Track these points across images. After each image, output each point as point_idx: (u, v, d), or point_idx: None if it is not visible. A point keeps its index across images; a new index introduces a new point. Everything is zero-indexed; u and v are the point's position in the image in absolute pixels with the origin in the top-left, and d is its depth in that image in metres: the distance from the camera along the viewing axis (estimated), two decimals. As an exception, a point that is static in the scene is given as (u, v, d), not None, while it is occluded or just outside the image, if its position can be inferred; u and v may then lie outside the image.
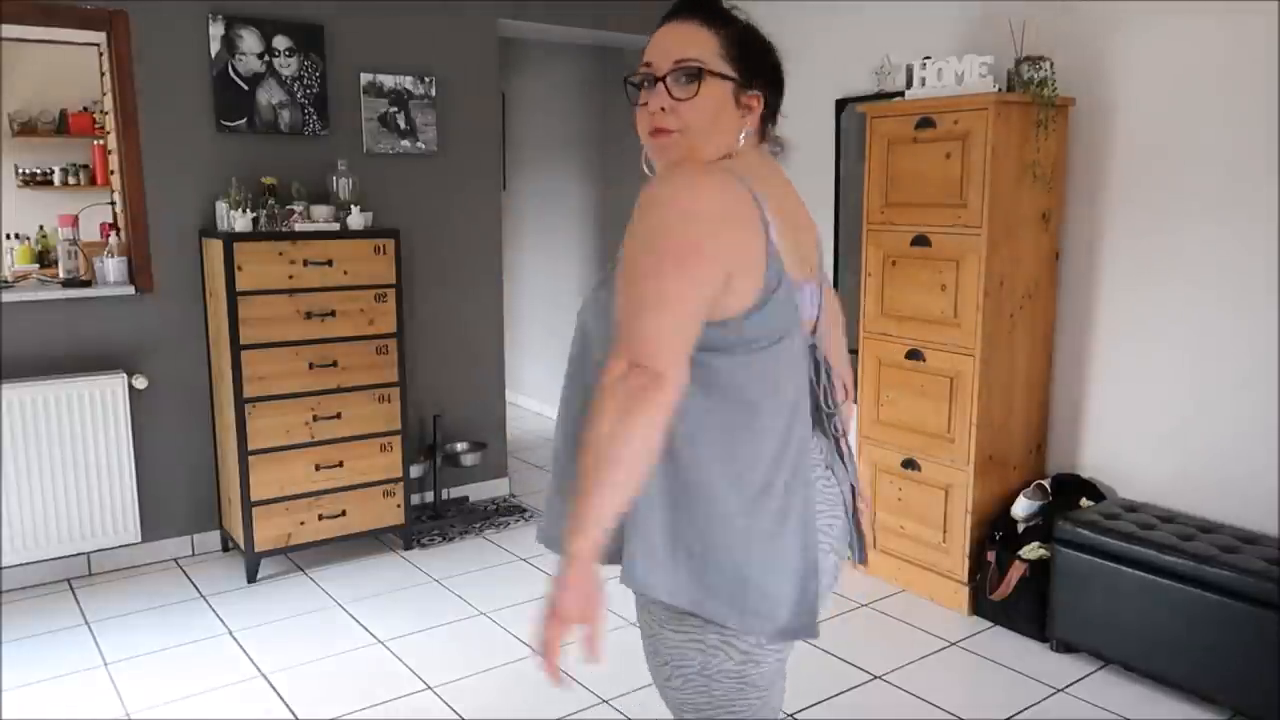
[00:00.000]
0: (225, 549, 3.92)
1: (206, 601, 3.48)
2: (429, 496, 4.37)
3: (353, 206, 3.73)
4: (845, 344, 1.74)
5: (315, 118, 3.89)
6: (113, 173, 3.71)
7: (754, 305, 1.30)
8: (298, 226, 3.59)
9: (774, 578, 1.36)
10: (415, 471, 4.18)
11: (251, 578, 3.63)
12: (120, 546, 3.67)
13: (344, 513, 3.74)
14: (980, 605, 3.31)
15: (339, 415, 3.68)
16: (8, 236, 4.96)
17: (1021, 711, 2.75)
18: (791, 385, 1.40)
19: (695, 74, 1.35)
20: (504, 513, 4.36)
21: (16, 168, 5.33)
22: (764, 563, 1.35)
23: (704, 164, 1.36)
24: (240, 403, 3.49)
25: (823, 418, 1.49)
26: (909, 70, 3.46)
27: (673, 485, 1.35)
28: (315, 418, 3.64)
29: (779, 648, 1.42)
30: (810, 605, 1.38)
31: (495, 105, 4.45)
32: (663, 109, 1.37)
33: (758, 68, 1.40)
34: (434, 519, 4.25)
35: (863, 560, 1.62)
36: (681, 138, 1.38)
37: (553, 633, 1.26)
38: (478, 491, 4.57)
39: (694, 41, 1.37)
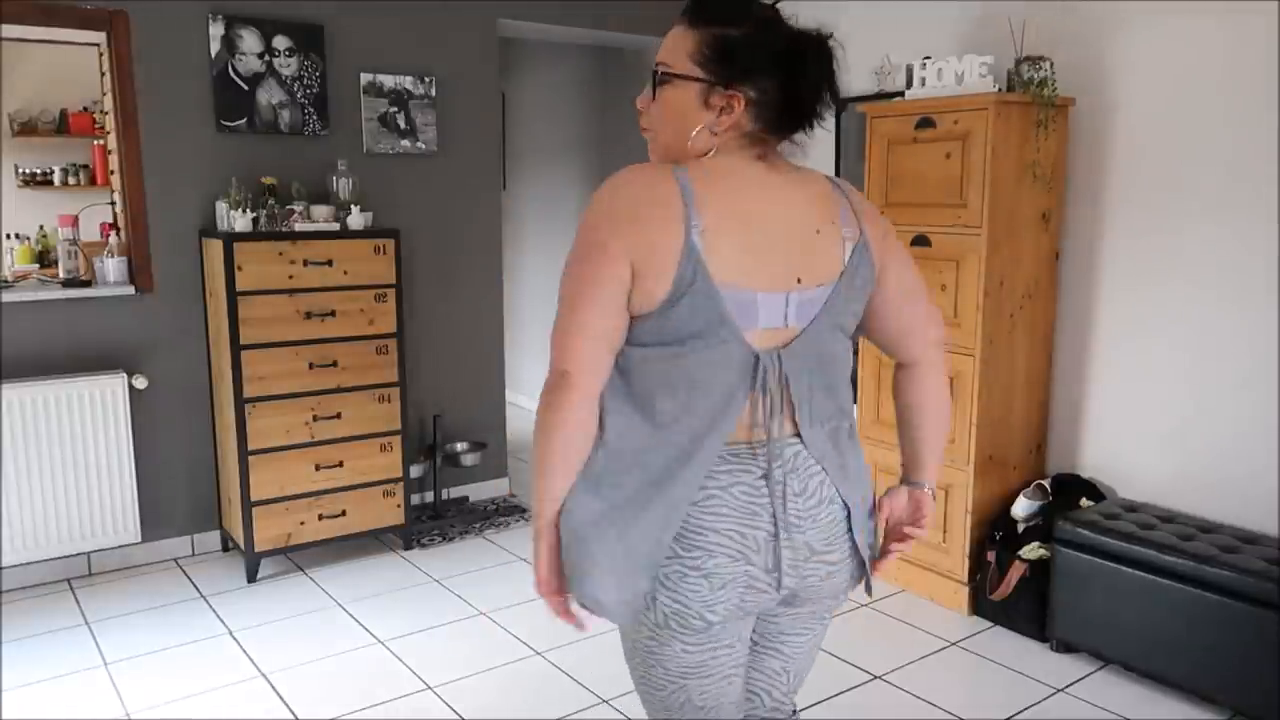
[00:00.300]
0: (225, 549, 3.92)
1: (206, 601, 3.48)
2: (429, 496, 4.37)
3: (353, 206, 3.73)
4: (944, 429, 1.60)
5: (315, 118, 3.89)
6: (113, 173, 3.71)
7: (664, 303, 1.32)
8: (298, 226, 3.58)
9: (607, 561, 1.39)
10: (415, 471, 4.18)
11: (251, 578, 3.63)
12: (120, 546, 3.67)
13: (344, 513, 3.74)
14: (980, 605, 3.31)
15: (339, 415, 3.68)
16: (8, 236, 4.96)
17: (1021, 711, 2.76)
18: (706, 388, 1.37)
19: (655, 76, 1.41)
20: (504, 513, 4.36)
21: (16, 168, 5.33)
22: (610, 545, 1.39)
23: (650, 162, 1.44)
24: (240, 403, 3.48)
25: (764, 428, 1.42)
26: (909, 70, 3.46)
27: (589, 457, 1.43)
28: (315, 418, 3.64)
29: (688, 640, 1.44)
30: (635, 602, 1.41)
31: (495, 105, 4.45)
32: (640, 110, 1.48)
33: (743, 67, 1.36)
34: (434, 519, 4.25)
35: (867, 589, 1.59)
36: (654, 137, 1.46)
37: (552, 608, 1.49)
38: (478, 491, 4.57)
39: (672, 44, 1.41)
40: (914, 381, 1.58)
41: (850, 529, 1.50)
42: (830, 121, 1.47)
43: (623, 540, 1.38)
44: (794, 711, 1.73)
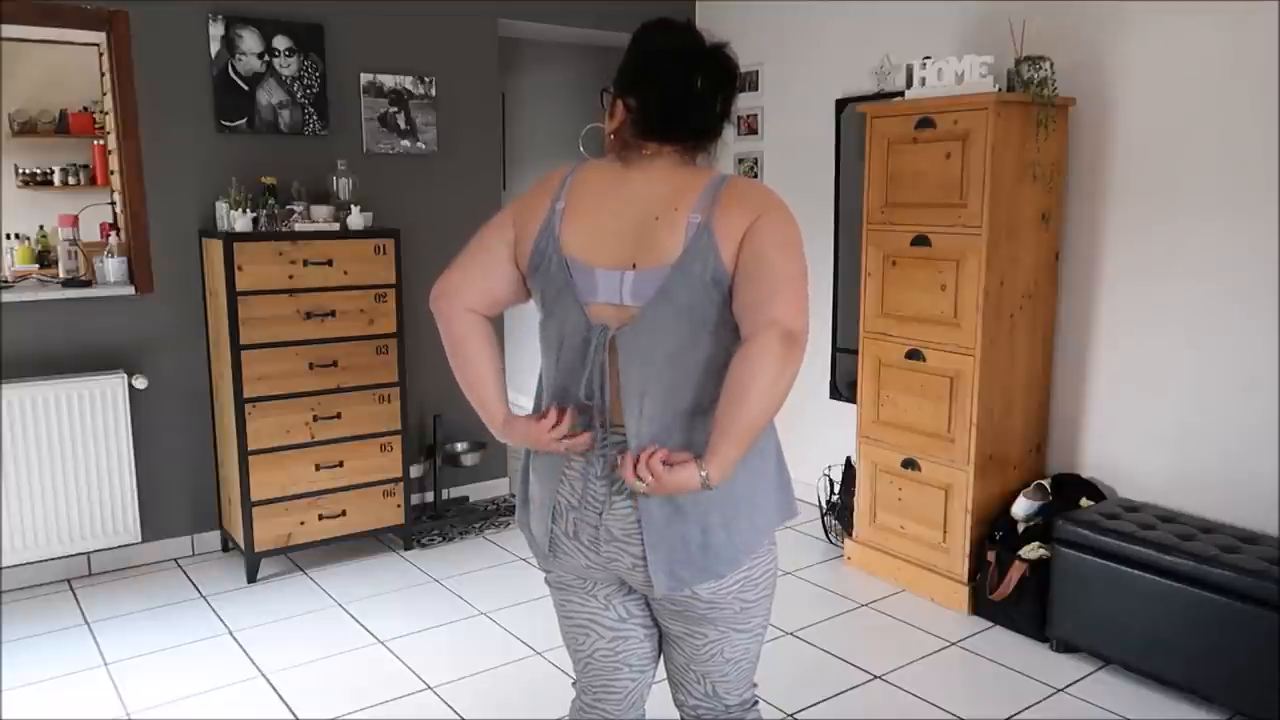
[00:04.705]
0: (225, 549, 3.92)
1: (206, 601, 3.48)
2: (429, 496, 4.37)
3: (353, 206, 3.73)
4: (742, 411, 1.43)
5: (315, 118, 3.89)
6: (113, 173, 3.71)
7: (531, 263, 1.58)
8: (298, 226, 3.58)
9: (521, 497, 1.73)
10: (415, 471, 4.18)
11: (251, 578, 3.63)
12: (120, 546, 3.67)
13: (344, 513, 3.74)
14: (980, 605, 3.31)
15: (339, 415, 3.68)
16: (8, 236, 4.95)
17: (1021, 711, 2.75)
18: (561, 353, 1.58)
19: None
20: (504, 513, 4.36)
21: (16, 168, 5.32)
22: (527, 485, 1.70)
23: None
24: (240, 403, 3.48)
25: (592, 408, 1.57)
26: (909, 70, 3.46)
27: None
28: (315, 418, 3.64)
29: (549, 570, 1.71)
30: (529, 533, 1.70)
31: (495, 105, 4.45)
32: None
33: (623, 80, 1.57)
34: (434, 519, 4.25)
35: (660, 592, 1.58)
36: None
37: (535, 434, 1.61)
38: (478, 491, 4.57)
39: None
40: (736, 358, 1.45)
41: (642, 532, 1.53)
42: (728, 132, 1.62)
43: (531, 482, 1.67)
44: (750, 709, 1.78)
